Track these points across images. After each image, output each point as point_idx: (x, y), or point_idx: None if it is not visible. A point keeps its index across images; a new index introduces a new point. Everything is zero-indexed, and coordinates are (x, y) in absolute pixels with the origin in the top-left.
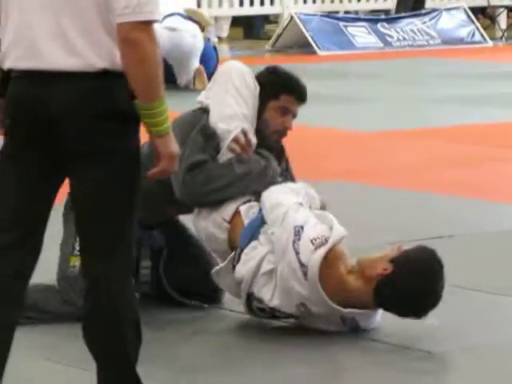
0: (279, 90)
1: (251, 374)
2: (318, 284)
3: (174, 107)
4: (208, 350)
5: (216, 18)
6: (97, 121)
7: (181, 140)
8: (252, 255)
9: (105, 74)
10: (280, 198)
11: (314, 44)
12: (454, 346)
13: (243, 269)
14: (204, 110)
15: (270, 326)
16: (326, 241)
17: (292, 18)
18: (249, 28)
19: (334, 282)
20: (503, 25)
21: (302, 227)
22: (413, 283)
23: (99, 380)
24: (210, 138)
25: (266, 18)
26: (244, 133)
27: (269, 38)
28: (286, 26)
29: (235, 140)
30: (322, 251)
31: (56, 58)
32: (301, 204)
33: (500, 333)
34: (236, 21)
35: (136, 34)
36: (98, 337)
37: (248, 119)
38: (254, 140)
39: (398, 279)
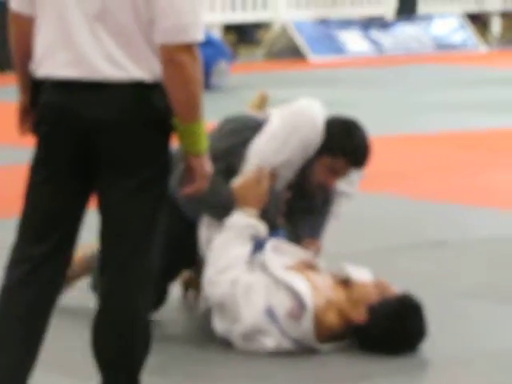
0: (339, 153)
1: None
2: (318, 345)
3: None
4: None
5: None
6: (137, 130)
7: (229, 131)
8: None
9: (146, 85)
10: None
11: (306, 50)
12: (448, 353)
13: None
14: (259, 126)
15: None
16: (303, 307)
17: (284, 24)
18: (242, 34)
19: (326, 330)
20: (496, 30)
21: (270, 309)
22: (385, 331)
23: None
24: (241, 146)
25: (259, 24)
26: (272, 173)
27: (261, 45)
28: (279, 33)
29: (258, 170)
30: (307, 321)
31: (99, 68)
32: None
33: (489, 341)
34: (228, 26)
35: (181, 56)
36: (106, 346)
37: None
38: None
39: (372, 329)
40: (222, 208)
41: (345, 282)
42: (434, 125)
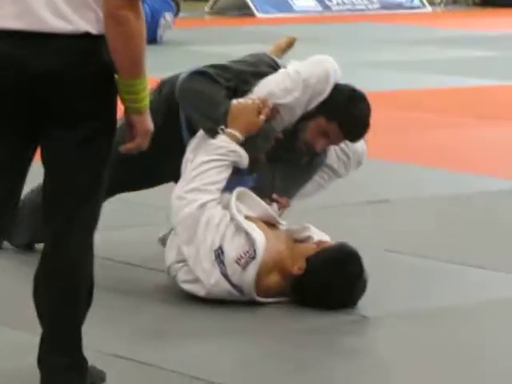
0: (336, 118)
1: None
2: (255, 295)
3: None
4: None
5: None
6: (83, 82)
7: (246, 61)
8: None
9: (92, 37)
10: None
11: (252, 6)
12: (387, 310)
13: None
14: (277, 66)
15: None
16: (251, 257)
17: None
18: None
19: (265, 286)
20: None
21: (221, 249)
22: (322, 278)
23: (42, 342)
24: (253, 76)
25: None
26: (274, 108)
27: (207, 0)
28: None
29: (262, 100)
30: (252, 270)
31: (46, 20)
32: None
33: (434, 299)
34: None
35: (124, 12)
36: (50, 294)
37: (286, 110)
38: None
39: (308, 278)
40: (212, 119)
41: (301, 241)
42: (379, 84)
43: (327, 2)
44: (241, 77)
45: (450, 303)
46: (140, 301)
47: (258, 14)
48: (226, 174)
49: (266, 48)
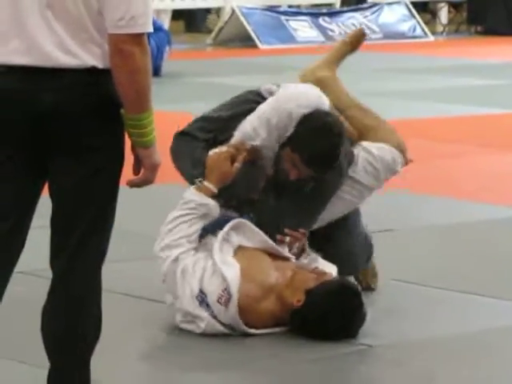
0: (297, 150)
1: None
2: (246, 329)
3: None
4: None
5: (157, 12)
6: (90, 115)
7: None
8: None
9: (98, 71)
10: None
11: (255, 38)
12: (392, 339)
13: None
14: (261, 97)
15: None
16: (229, 294)
17: (234, 11)
18: (190, 21)
19: (256, 317)
20: (444, 20)
21: (202, 292)
22: (321, 310)
23: (50, 378)
24: (231, 120)
25: (208, 10)
26: (253, 149)
27: (210, 32)
28: (228, 20)
29: (237, 146)
30: (233, 308)
31: (52, 56)
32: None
33: (437, 327)
34: (177, 14)
35: (130, 47)
36: (56, 330)
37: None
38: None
39: (308, 309)
40: (195, 177)
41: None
42: (381, 112)
43: (330, 33)
44: (219, 125)
45: (453, 331)
46: (140, 332)
47: (261, 45)
48: (197, 226)
49: (270, 78)
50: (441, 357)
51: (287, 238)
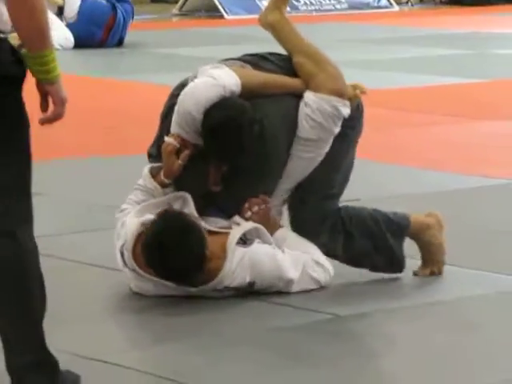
0: (208, 150)
1: None
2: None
3: None
4: None
5: None
6: None
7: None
8: None
9: None
10: None
11: (221, 8)
12: (361, 309)
13: None
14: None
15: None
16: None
17: None
18: None
19: None
20: None
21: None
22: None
23: (3, 343)
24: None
25: None
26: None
27: (176, 2)
28: None
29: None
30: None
31: None
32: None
33: (408, 297)
34: None
35: None
36: (2, 292)
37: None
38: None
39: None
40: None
41: None
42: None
43: (295, 3)
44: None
45: (431, 300)
46: (111, 303)
47: (227, 16)
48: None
49: (237, 48)
50: (412, 323)
51: (246, 205)
